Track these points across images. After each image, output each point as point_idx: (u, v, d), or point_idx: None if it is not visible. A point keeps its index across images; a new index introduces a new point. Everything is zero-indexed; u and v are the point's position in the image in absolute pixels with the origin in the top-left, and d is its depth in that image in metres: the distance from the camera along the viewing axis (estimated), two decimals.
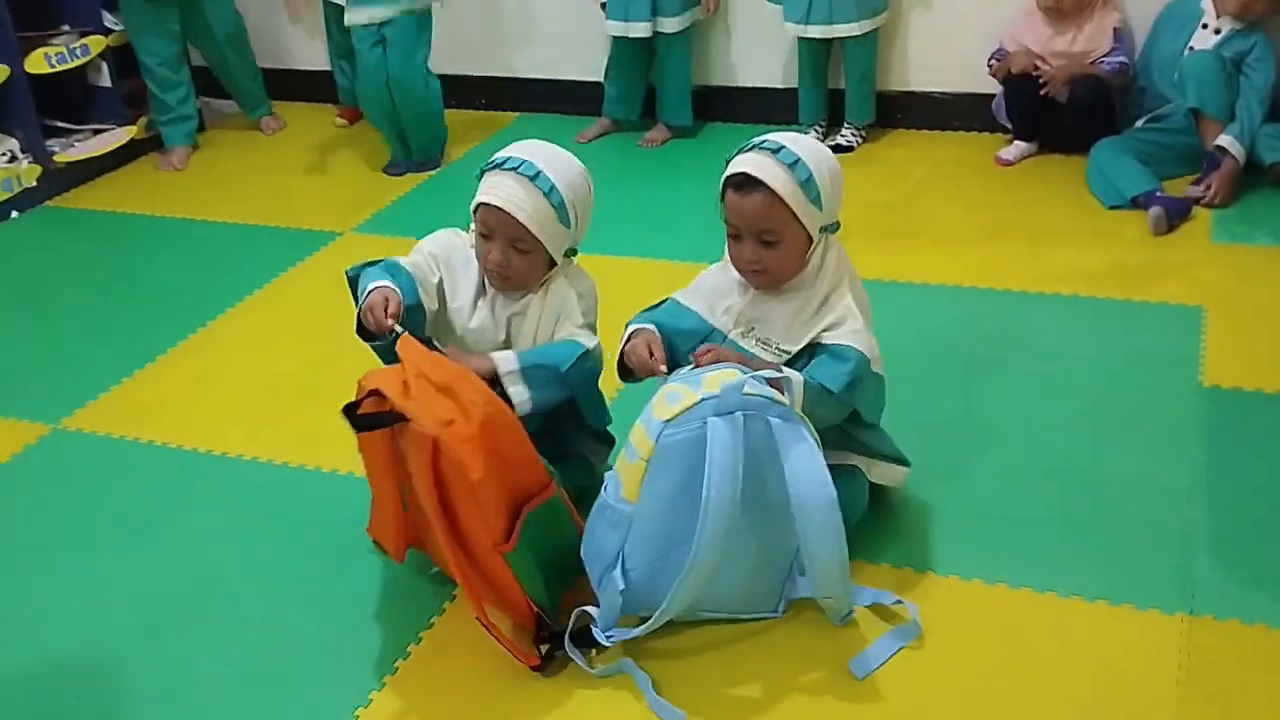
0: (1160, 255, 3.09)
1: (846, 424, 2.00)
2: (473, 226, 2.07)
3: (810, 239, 1.94)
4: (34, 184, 3.97)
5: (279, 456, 2.49)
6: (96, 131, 4.23)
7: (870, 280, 2.99)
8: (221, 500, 2.38)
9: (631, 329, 2.04)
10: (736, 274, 2.02)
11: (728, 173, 1.94)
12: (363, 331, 2.01)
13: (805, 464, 1.74)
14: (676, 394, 1.77)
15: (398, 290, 1.98)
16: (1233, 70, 3.35)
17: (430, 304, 2.07)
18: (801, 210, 1.90)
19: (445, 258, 2.12)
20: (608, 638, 1.86)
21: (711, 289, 2.06)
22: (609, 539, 1.84)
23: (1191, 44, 3.46)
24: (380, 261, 2.06)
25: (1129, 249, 3.14)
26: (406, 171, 4.04)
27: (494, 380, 1.96)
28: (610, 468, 2.10)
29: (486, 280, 2.09)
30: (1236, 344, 2.65)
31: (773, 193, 1.89)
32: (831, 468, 1.99)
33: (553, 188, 1.99)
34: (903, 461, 2.12)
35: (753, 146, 1.93)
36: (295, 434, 2.55)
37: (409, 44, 3.83)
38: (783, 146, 1.91)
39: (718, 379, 1.76)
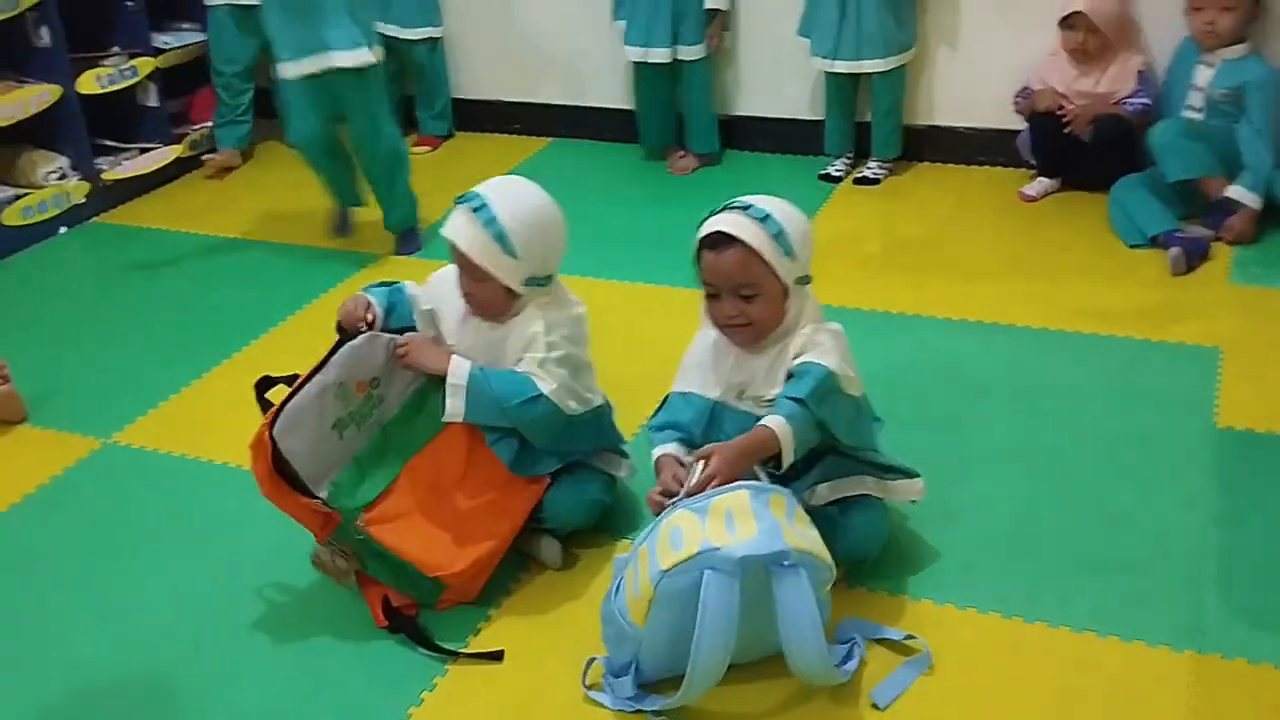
0: (1178, 296, 3.14)
1: (844, 447, 2.05)
2: None
3: (786, 291, 2.02)
4: (83, 200, 4.10)
5: None
6: (143, 150, 4.36)
7: (893, 313, 3.11)
8: (265, 516, 2.45)
9: (654, 458, 2.08)
10: (716, 338, 2.09)
11: (701, 234, 2.01)
12: (341, 330, 2.19)
13: (798, 605, 1.75)
14: (679, 534, 1.78)
15: (374, 301, 2.19)
16: (1204, 127, 3.34)
17: (425, 329, 2.24)
18: (776, 262, 1.97)
19: (441, 286, 2.25)
20: (618, 706, 1.89)
21: (699, 364, 2.13)
22: (622, 649, 1.89)
23: (1194, 81, 3.47)
24: (392, 284, 2.27)
25: (1147, 289, 3.19)
26: (349, 230, 3.76)
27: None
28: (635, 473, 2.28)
29: None
30: (1252, 386, 2.69)
31: (747, 247, 1.96)
32: (848, 500, 2.09)
33: (492, 219, 2.08)
34: (912, 474, 2.16)
35: (722, 208, 2.01)
36: None
37: (361, 102, 3.40)
38: (751, 205, 1.99)
39: (722, 508, 1.78)
